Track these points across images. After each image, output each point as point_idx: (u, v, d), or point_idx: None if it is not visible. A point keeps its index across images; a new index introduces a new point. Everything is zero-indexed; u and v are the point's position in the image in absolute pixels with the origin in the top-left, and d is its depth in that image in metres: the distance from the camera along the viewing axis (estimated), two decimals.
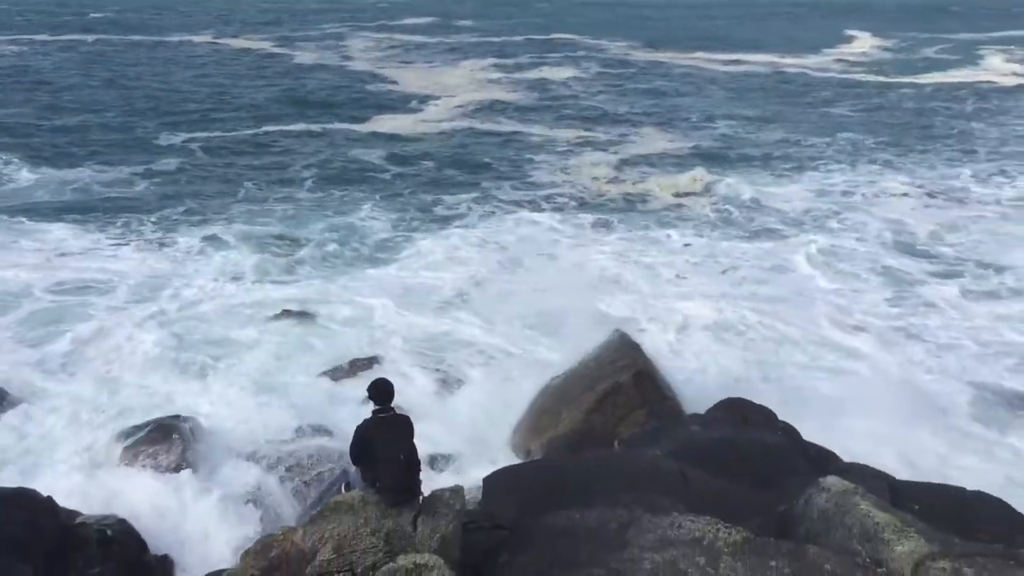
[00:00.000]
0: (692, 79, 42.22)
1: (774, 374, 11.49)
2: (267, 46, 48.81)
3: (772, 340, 12.55)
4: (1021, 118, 31.69)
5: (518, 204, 19.81)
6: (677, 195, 20.74)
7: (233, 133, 26.45)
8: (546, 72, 43.20)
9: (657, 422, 9.28)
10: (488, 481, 6.92)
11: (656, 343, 12.01)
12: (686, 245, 16.90)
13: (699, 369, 11.57)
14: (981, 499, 6.95)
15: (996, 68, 47.52)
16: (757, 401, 9.39)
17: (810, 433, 9.01)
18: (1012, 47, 59.92)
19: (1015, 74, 44.66)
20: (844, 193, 20.88)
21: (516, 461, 8.93)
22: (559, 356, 11.07)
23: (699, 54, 53.04)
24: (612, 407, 9.50)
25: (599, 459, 7.33)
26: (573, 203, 19.96)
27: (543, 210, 19.37)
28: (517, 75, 41.90)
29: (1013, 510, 6.66)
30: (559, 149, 25.97)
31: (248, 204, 19.26)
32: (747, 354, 12.06)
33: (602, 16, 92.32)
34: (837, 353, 12.26)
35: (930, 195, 20.63)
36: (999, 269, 15.32)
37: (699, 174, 22.53)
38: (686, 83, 40.82)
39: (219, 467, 8.96)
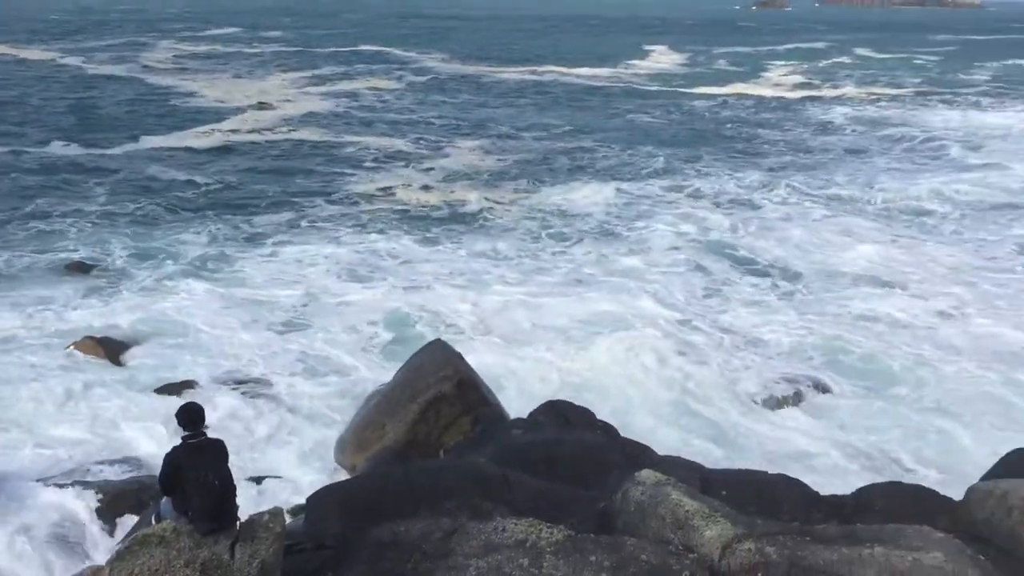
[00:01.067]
0: (502, 91, 43.07)
1: (592, 375, 11.76)
2: (59, 56, 45.91)
3: (592, 340, 12.85)
4: (802, 125, 34.20)
5: (333, 219, 19.42)
6: (490, 205, 20.94)
7: (18, 150, 24.67)
8: (356, 84, 42.95)
9: (481, 428, 9.34)
10: (311, 500, 6.75)
11: (479, 350, 12.11)
12: (503, 256, 17.07)
13: (523, 373, 11.72)
14: (782, 481, 7.42)
15: (779, 81, 51.18)
16: (578, 402, 9.62)
17: (628, 429, 9.39)
18: (794, 61, 64.56)
19: (795, 86, 48.22)
20: (646, 197, 21.75)
21: (342, 477, 8.76)
22: (386, 370, 10.96)
23: (507, 67, 54.25)
24: (436, 416, 9.49)
25: (424, 469, 7.30)
26: (392, 216, 19.76)
27: (361, 224, 19.08)
28: (327, 87, 41.39)
29: (808, 488, 7.15)
30: (371, 162, 25.76)
31: (38, 226, 17.94)
32: (571, 356, 12.29)
33: (411, 29, 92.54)
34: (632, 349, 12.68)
35: (722, 199, 21.73)
36: (789, 273, 16.29)
37: (513, 184, 23.00)
38: (496, 95, 41.60)
39: (15, 500, 8.28)
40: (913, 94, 44.81)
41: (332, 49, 62.12)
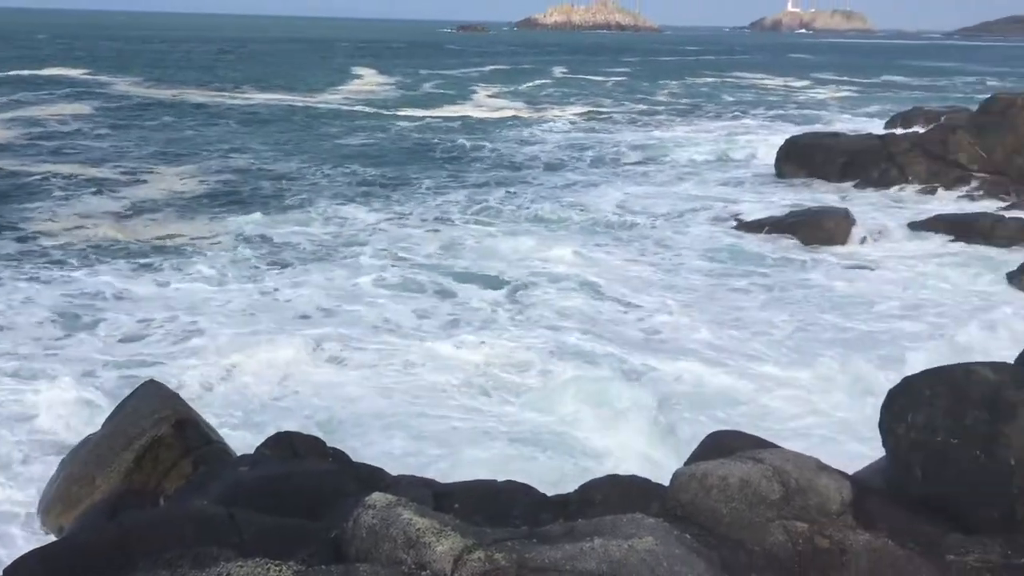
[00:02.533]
0: (204, 115, 41.45)
1: (324, 402, 11.56)
2: None
3: (307, 368, 12.63)
4: (505, 143, 35.78)
5: (14, 257, 17.71)
6: (197, 232, 20.05)
7: None
8: (42, 110, 39.59)
9: (205, 469, 8.87)
10: (8, 572, 6.08)
11: (196, 387, 11.52)
12: (217, 285, 16.37)
13: (253, 407, 11.26)
14: (510, 488, 7.69)
15: (484, 102, 53.26)
16: (310, 431, 9.41)
17: (363, 453, 9.33)
18: (498, 83, 67.34)
19: (500, 107, 50.41)
20: (355, 220, 21.73)
21: (48, 541, 7.95)
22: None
23: (210, 91, 52.33)
24: (153, 463, 8.89)
25: (139, 521, 6.79)
26: (88, 251, 18.32)
27: (55, 262, 17.53)
28: (7, 114, 37.82)
29: (536, 492, 7.46)
30: (60, 192, 23.87)
31: None
32: (298, 386, 11.99)
33: (105, 50, 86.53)
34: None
35: (428, 217, 22.19)
36: (506, 285, 16.96)
37: (219, 210, 22.18)
38: (198, 119, 39.96)
39: None
40: (607, 112, 48.30)
41: (12, 72, 56.83)
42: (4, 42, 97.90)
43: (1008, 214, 20.99)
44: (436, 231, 20.86)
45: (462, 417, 11.05)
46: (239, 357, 12.68)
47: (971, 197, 23.73)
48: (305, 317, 14.86)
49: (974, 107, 29.88)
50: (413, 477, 8.40)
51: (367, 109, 47.20)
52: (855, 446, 9.19)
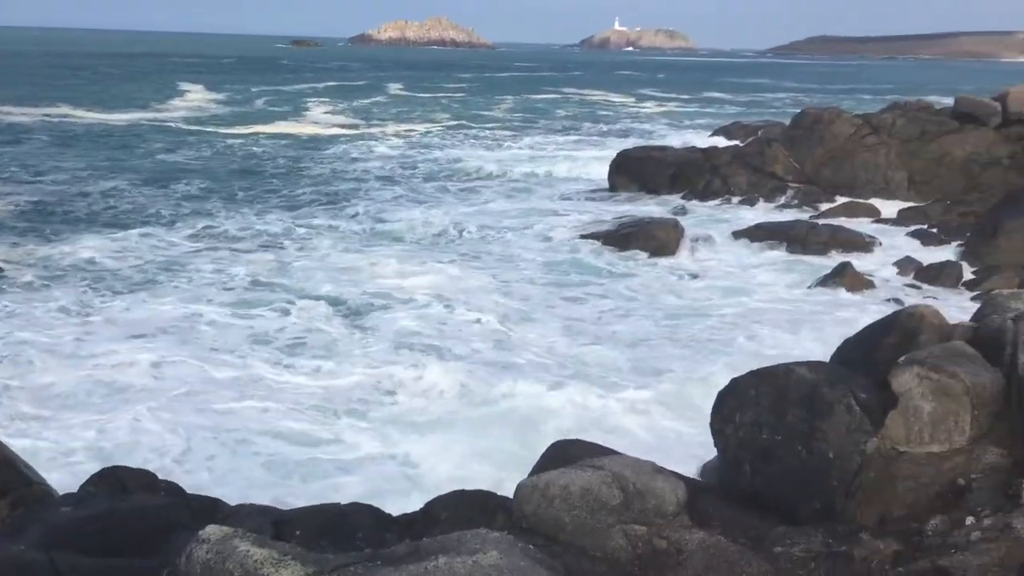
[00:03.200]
0: (11, 134, 38.96)
1: (156, 432, 10.99)
2: None
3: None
4: (338, 160, 35.33)
5: None
6: (11, 260, 18.74)
7: None
8: None
9: (22, 512, 8.25)
10: None
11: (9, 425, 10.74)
12: (37, 311, 15.33)
13: (78, 444, 10.58)
14: (355, 509, 7.54)
15: (319, 118, 52.45)
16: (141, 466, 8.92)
17: (199, 484, 8.94)
18: (333, 99, 66.45)
19: (335, 124, 49.75)
20: (176, 245, 20.78)
21: None
22: None
23: (18, 107, 49.26)
24: None
25: None
26: None
27: None
28: None
29: (381, 512, 7.35)
30: None
31: None
32: (130, 416, 11.35)
33: None
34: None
35: (248, 236, 21.61)
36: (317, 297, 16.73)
37: (32, 236, 20.84)
38: (3, 138, 37.58)
39: None
40: (442, 128, 48.51)
41: None
42: None
43: (821, 221, 22.45)
44: (265, 249, 20.27)
45: (303, 443, 10.78)
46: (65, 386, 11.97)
47: (788, 206, 25.22)
48: (140, 336, 14.21)
49: (787, 121, 31.76)
50: (252, 506, 8.11)
51: (196, 127, 45.58)
52: (695, 449, 9.55)
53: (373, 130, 46.97)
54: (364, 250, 20.59)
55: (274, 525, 7.02)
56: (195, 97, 64.54)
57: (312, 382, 12.59)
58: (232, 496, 8.59)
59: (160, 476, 8.74)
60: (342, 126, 48.76)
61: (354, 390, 12.32)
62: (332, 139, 42.26)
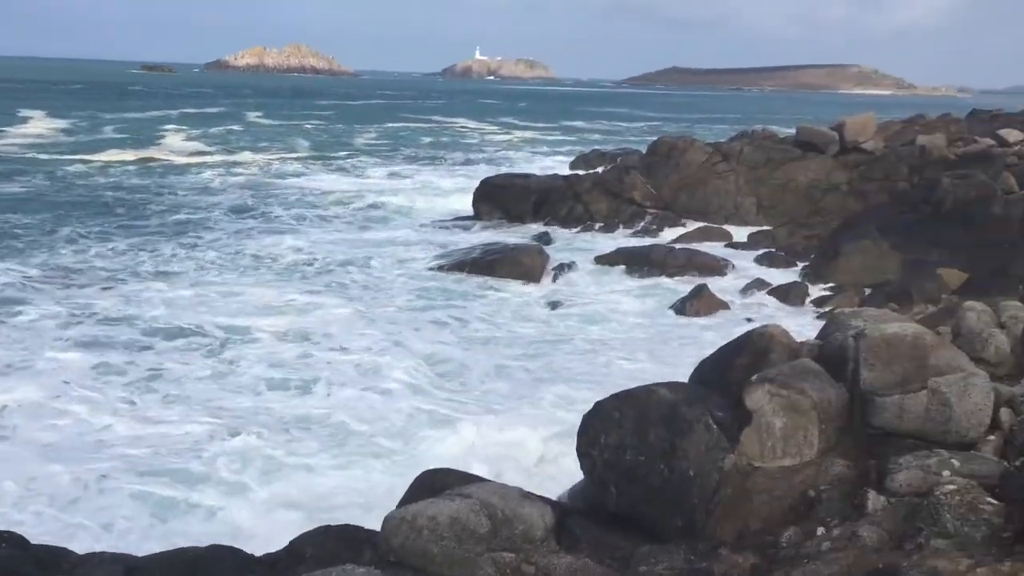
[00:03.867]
0: None
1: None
2: None
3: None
4: (190, 189, 34.25)
5: None
6: None
7: None
8: None
9: None
10: None
11: None
12: None
13: None
14: (215, 552, 7.26)
15: (173, 146, 50.74)
16: None
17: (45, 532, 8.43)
18: (187, 126, 64.45)
19: (189, 152, 48.21)
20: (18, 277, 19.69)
21: None
22: None
23: None
24: None
25: None
26: None
27: None
28: None
29: (242, 552, 7.11)
30: None
31: None
32: None
33: None
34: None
35: (97, 269, 20.68)
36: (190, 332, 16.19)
37: None
38: None
39: None
40: (302, 156, 47.67)
41: None
42: None
43: (678, 246, 23.23)
44: (109, 287, 19.13)
45: (164, 484, 10.30)
46: None
47: (646, 231, 25.99)
48: None
49: (644, 149, 32.82)
50: (103, 554, 7.70)
51: (35, 155, 43.31)
52: (561, 473, 9.64)
53: (229, 158, 45.75)
54: (216, 282, 19.92)
55: (127, 572, 6.69)
56: (37, 125, 61.35)
57: (176, 425, 12.06)
58: (81, 545, 8.13)
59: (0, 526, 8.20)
60: (197, 153, 47.31)
61: (203, 431, 11.87)
62: (184, 167, 40.95)
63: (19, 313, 16.85)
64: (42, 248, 22.66)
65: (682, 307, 18.19)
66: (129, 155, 44.79)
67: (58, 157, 42.52)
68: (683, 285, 19.75)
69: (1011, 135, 27.30)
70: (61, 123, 63.19)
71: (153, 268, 21.02)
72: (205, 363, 14.49)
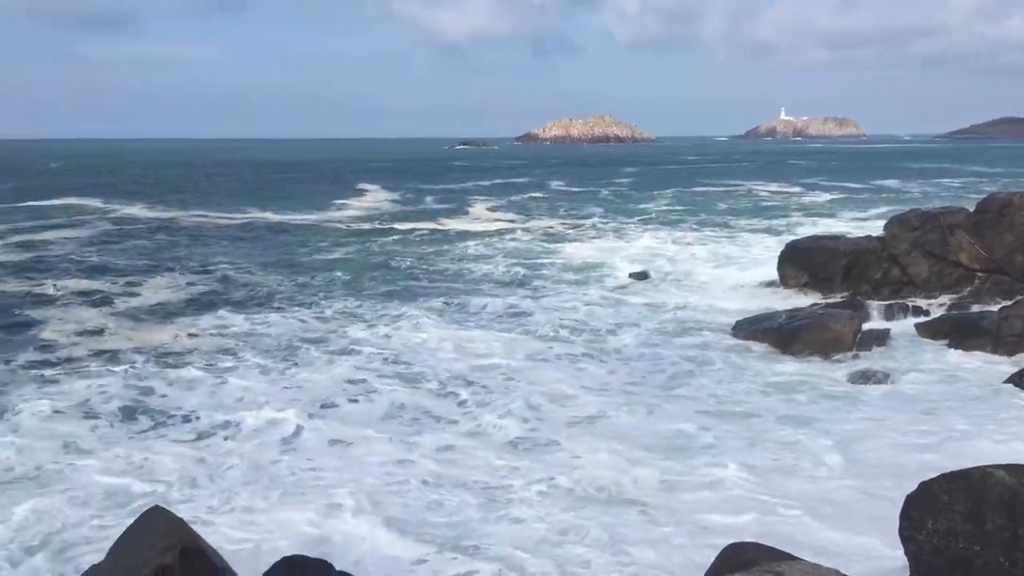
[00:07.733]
0: (194, 234, 43.06)
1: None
2: None
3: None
4: (465, 258, 35.89)
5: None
6: (189, 335, 21.38)
7: None
8: (46, 234, 41.77)
9: None
10: None
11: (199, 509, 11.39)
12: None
13: (255, 533, 11.07)
14: None
15: (479, 214, 54.27)
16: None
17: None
18: (494, 196, 68.51)
19: (492, 219, 51.09)
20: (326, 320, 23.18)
21: None
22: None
23: (200, 211, 54.29)
24: None
25: None
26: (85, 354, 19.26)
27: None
28: (13, 239, 39.66)
29: None
30: (62, 303, 25.41)
31: None
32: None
33: (115, 177, 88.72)
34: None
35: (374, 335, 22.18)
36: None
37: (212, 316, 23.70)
38: (188, 237, 41.86)
39: None
40: (592, 224, 47.91)
41: (27, 203, 58.41)
42: (17, 172, 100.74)
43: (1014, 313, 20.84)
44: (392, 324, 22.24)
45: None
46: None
47: (976, 297, 23.72)
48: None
49: (971, 207, 30.14)
50: None
51: (368, 225, 48.55)
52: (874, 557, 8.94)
53: (528, 224, 47.72)
54: (481, 335, 21.37)
55: None
56: (373, 197, 68.28)
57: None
58: None
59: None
60: (498, 220, 50.06)
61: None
62: (479, 234, 43.39)
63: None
64: (339, 298, 26.61)
65: (1020, 382, 16.35)
66: (445, 224, 48.32)
67: (382, 226, 47.19)
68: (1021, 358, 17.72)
69: None
70: (392, 195, 69.83)
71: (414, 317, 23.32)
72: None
